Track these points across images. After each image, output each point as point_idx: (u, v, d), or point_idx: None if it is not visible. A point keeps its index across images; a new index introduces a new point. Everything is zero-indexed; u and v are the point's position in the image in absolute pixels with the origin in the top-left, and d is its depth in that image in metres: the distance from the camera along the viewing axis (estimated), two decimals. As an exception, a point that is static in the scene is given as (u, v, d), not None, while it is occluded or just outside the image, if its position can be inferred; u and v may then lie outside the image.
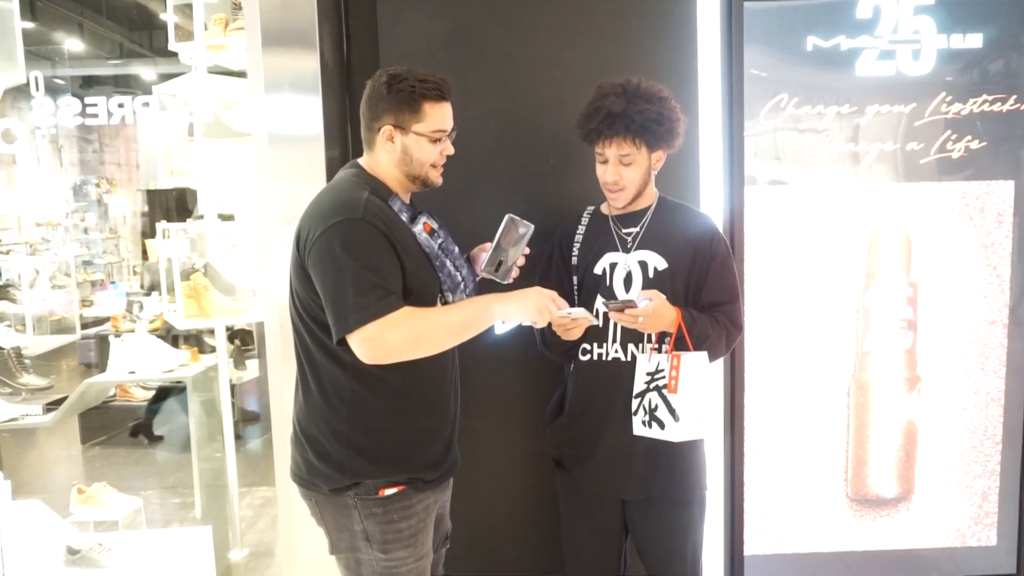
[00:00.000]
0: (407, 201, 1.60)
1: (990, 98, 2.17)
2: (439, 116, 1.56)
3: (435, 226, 1.61)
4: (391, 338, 1.42)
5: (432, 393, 1.61)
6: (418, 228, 1.56)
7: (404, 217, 1.55)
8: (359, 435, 1.53)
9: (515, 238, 1.64)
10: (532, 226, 1.65)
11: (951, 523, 2.32)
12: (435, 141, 1.56)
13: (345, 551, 1.61)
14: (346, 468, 1.53)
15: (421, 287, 1.52)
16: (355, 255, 1.42)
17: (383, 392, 1.53)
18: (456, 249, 1.65)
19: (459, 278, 1.62)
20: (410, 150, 1.55)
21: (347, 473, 1.53)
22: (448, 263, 1.59)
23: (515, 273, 1.69)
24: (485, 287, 1.79)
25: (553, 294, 1.54)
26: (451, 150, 1.61)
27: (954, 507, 2.31)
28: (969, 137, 2.19)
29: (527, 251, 1.68)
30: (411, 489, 1.57)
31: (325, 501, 1.58)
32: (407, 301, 1.48)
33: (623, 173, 1.73)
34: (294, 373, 1.64)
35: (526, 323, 1.58)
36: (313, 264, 1.46)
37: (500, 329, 2.14)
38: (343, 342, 1.44)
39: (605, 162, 1.74)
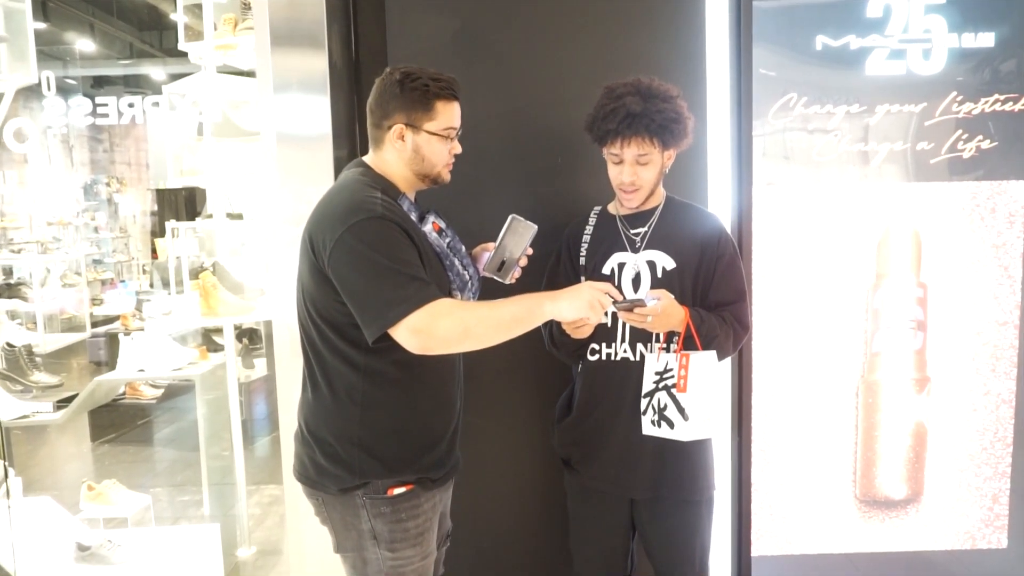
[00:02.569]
0: (413, 200, 1.60)
1: (1002, 98, 2.16)
2: (450, 114, 1.55)
3: (443, 225, 1.61)
4: (441, 327, 1.39)
5: (442, 393, 1.61)
6: (427, 228, 1.56)
7: (413, 217, 1.54)
8: (371, 436, 1.53)
9: (518, 238, 1.63)
10: (535, 227, 1.64)
11: (961, 525, 2.31)
12: (446, 139, 1.56)
13: (351, 550, 1.60)
14: (356, 468, 1.53)
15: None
16: (383, 251, 1.40)
17: (396, 393, 1.53)
18: (463, 248, 1.65)
19: (467, 276, 1.61)
20: (421, 149, 1.54)
21: (357, 473, 1.53)
22: (456, 262, 1.59)
23: (517, 273, 1.68)
24: (487, 285, 1.79)
25: (607, 286, 1.50)
26: (459, 148, 1.61)
27: (964, 509, 2.30)
28: (980, 137, 2.17)
29: (530, 251, 1.67)
30: (419, 488, 1.57)
31: (332, 500, 1.57)
32: None
33: (640, 173, 1.72)
34: (301, 372, 1.64)
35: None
36: (337, 266, 1.43)
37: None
38: (382, 338, 1.41)
39: (620, 163, 1.73)
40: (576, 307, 1.46)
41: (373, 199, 1.46)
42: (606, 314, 1.73)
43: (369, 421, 1.52)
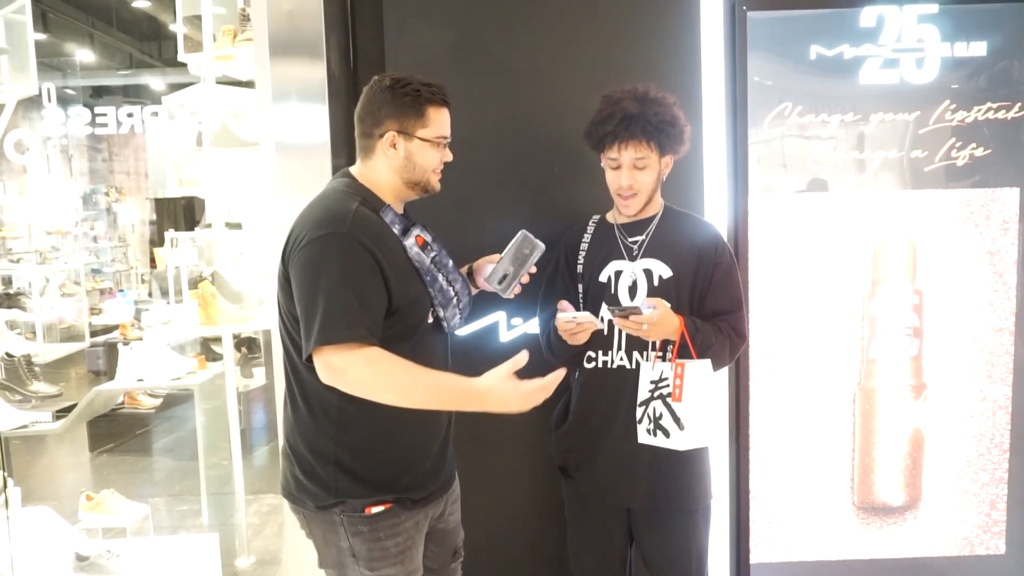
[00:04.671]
0: (400, 211, 1.57)
1: (994, 106, 2.18)
2: (442, 121, 1.53)
3: (428, 239, 1.56)
4: (352, 375, 1.38)
5: (422, 412, 1.52)
6: (410, 242, 1.52)
7: (396, 229, 1.51)
8: (346, 455, 1.50)
9: (524, 255, 1.64)
10: (543, 246, 1.64)
11: (959, 531, 2.31)
12: (437, 147, 1.54)
13: (332, 566, 1.58)
14: (332, 487, 1.50)
15: (410, 303, 1.48)
16: (335, 272, 1.38)
17: (372, 412, 1.46)
18: (450, 263, 1.61)
19: (451, 293, 1.57)
20: (413, 156, 1.52)
21: (333, 492, 1.50)
22: (440, 278, 1.55)
23: (517, 289, 1.68)
24: (480, 300, 1.80)
25: (541, 392, 1.46)
26: (450, 157, 1.59)
27: (962, 515, 2.30)
28: (974, 144, 2.19)
29: (533, 270, 1.68)
30: (398, 507, 1.53)
31: (313, 516, 1.55)
32: (394, 318, 1.45)
33: (637, 177, 1.73)
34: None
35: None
36: (294, 275, 1.43)
37: (506, 336, 2.16)
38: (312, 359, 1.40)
39: (618, 168, 1.74)
40: (504, 407, 1.44)
41: (346, 212, 1.43)
42: (602, 320, 1.75)
43: (344, 439, 1.49)
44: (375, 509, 1.50)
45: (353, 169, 1.58)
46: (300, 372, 1.51)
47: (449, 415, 1.65)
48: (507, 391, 1.43)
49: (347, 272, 1.39)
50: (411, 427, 1.53)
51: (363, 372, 1.38)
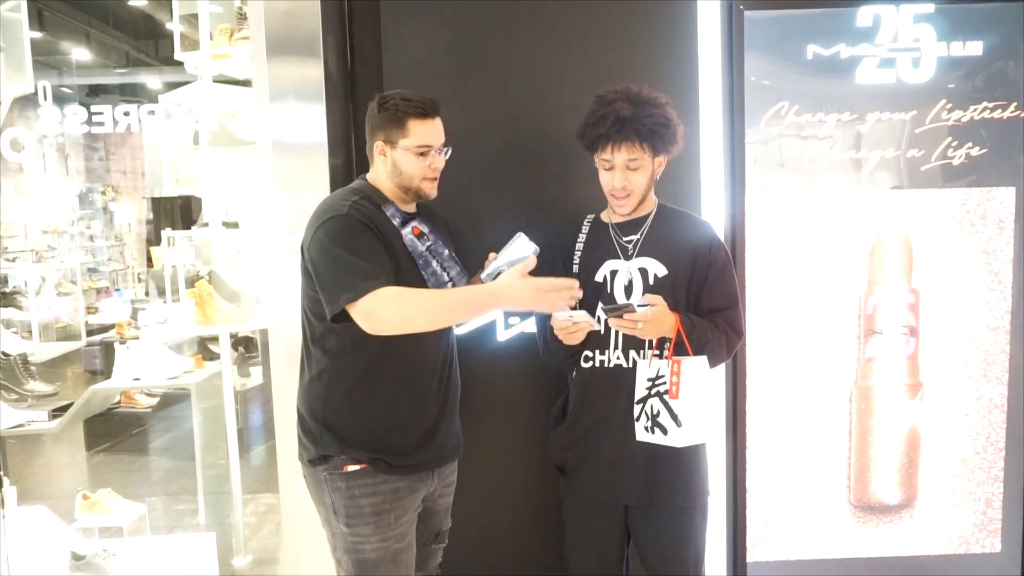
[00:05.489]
0: (405, 210, 1.73)
1: (990, 105, 2.18)
2: (424, 132, 1.67)
3: (425, 230, 1.73)
4: (384, 313, 1.55)
5: (410, 387, 1.70)
6: (406, 231, 1.69)
7: (396, 222, 1.69)
8: (330, 413, 1.68)
9: (516, 256, 1.69)
10: (535, 248, 1.70)
11: (955, 530, 2.32)
12: (421, 155, 1.67)
13: (325, 523, 1.74)
14: (318, 441, 1.69)
15: (400, 282, 1.62)
16: (342, 244, 1.58)
17: (359, 379, 1.67)
18: (446, 252, 1.76)
19: (445, 278, 1.72)
20: (398, 163, 1.68)
21: (319, 445, 1.69)
22: (434, 263, 1.71)
23: None
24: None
25: (563, 283, 1.59)
26: (440, 164, 1.71)
27: (958, 514, 2.31)
28: (970, 144, 2.19)
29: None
30: (372, 468, 1.66)
31: (308, 472, 1.74)
32: None
33: (630, 178, 1.74)
34: (297, 379, 1.76)
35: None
36: (310, 260, 1.63)
37: (503, 335, 2.16)
38: (339, 319, 1.57)
39: (611, 168, 1.75)
40: (519, 304, 1.60)
41: (344, 203, 1.63)
42: (599, 321, 1.76)
43: (330, 399, 1.68)
44: (351, 467, 1.67)
45: (368, 173, 1.77)
46: (309, 345, 1.72)
47: (443, 395, 1.75)
48: (521, 287, 1.58)
49: (352, 241, 1.59)
50: (394, 396, 1.69)
51: (392, 309, 1.55)
